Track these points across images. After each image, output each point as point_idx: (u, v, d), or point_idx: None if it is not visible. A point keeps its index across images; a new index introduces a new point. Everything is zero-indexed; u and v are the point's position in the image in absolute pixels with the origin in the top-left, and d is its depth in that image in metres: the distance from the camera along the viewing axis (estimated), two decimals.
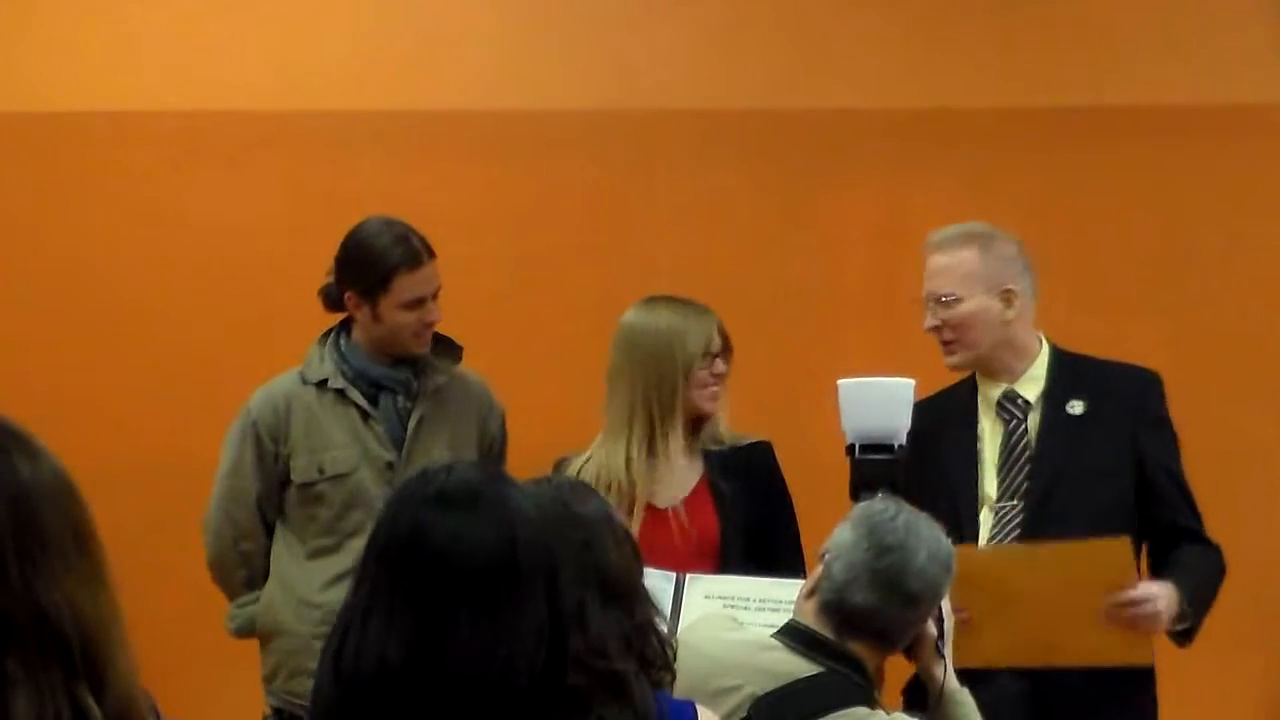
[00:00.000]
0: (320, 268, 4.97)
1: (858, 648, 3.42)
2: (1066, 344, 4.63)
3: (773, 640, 3.44)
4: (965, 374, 4.50)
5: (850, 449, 3.97)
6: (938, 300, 4.41)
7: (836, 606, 3.43)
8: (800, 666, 3.37)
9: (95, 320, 5.98)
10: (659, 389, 4.54)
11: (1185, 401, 5.59)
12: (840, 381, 3.99)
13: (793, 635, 3.44)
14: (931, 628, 3.57)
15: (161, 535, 5.75)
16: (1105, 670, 4.23)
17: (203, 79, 5.98)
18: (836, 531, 3.54)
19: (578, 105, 6.00)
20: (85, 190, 6.00)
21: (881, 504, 3.55)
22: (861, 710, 3.35)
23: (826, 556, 3.51)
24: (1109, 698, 4.27)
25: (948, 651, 3.61)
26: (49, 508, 1.95)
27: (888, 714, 3.39)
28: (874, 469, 3.86)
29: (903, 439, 3.89)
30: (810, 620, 3.45)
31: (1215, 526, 4.53)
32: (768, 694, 3.31)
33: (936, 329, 4.42)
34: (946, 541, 3.51)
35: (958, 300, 4.38)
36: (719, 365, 4.57)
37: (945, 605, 3.59)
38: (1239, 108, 5.90)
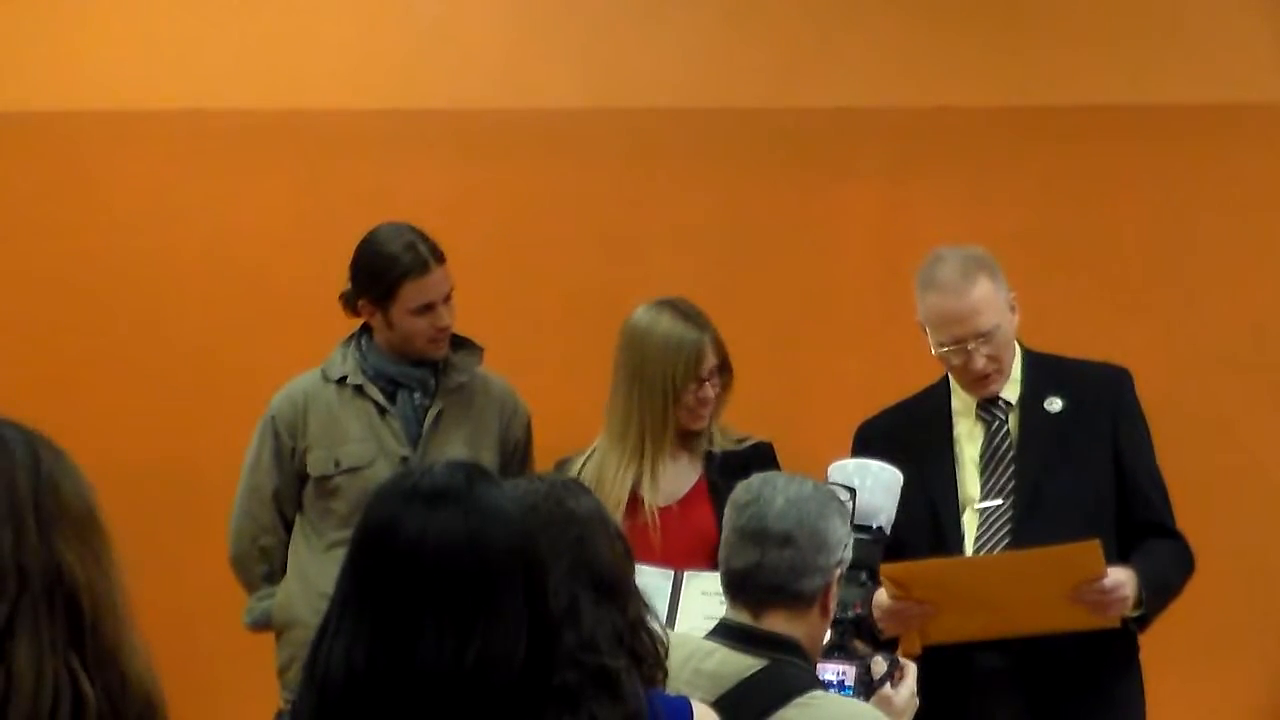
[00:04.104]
0: (321, 267, 4.98)
1: (778, 622, 3.39)
2: (1065, 343, 4.63)
3: (711, 644, 3.43)
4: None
5: None
6: (981, 337, 4.29)
7: (729, 581, 3.43)
8: (742, 664, 3.36)
9: (95, 319, 5.98)
10: (650, 403, 4.57)
11: (1182, 402, 5.61)
12: (831, 466, 3.94)
13: (724, 633, 3.43)
14: (882, 665, 3.58)
15: (171, 531, 5.77)
16: (1090, 654, 4.25)
17: (203, 78, 5.98)
18: None
19: (578, 105, 6.00)
20: (85, 190, 6.00)
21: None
22: (834, 697, 3.36)
23: None
24: (1094, 681, 4.29)
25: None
26: (68, 485, 2.03)
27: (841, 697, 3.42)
28: (854, 549, 3.72)
29: (882, 521, 3.82)
30: (730, 612, 3.45)
31: (1210, 529, 4.52)
32: (720, 699, 3.30)
33: (985, 368, 4.32)
34: (817, 488, 3.46)
35: (999, 329, 4.32)
36: (707, 390, 4.58)
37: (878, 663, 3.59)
38: (1239, 108, 5.90)
